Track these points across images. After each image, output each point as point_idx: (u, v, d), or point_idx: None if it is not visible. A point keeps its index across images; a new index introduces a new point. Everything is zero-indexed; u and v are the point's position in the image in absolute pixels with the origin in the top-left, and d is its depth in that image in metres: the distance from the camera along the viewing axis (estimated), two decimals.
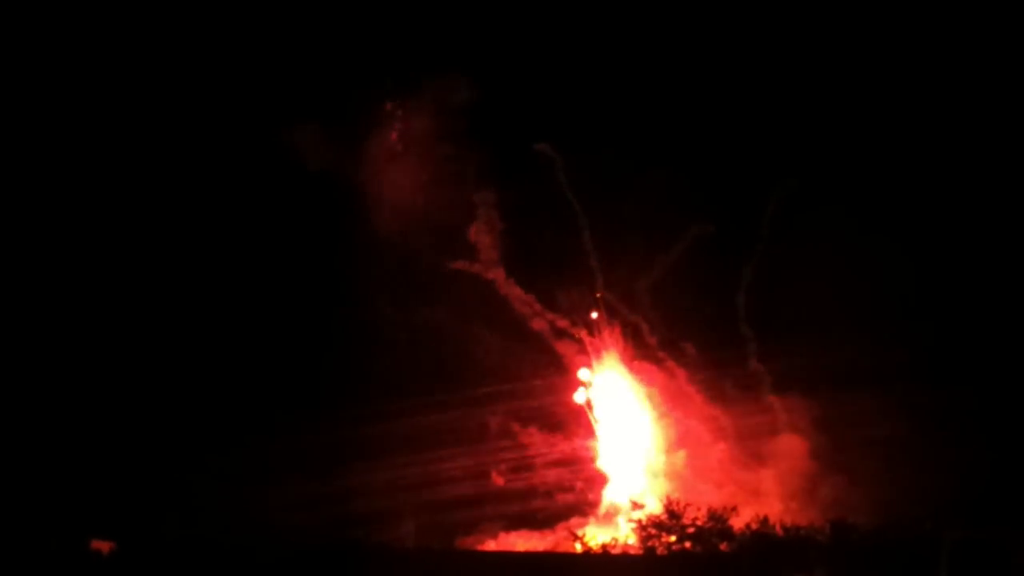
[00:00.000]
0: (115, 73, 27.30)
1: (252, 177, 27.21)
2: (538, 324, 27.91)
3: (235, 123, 26.85)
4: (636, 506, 26.20)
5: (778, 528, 25.28)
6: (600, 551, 25.46)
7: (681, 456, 29.10)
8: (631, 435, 29.36)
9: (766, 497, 28.03)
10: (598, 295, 28.50)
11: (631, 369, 29.08)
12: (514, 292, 27.43)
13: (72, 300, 27.11)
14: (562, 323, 28.23)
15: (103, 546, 21.05)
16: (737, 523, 25.35)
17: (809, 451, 28.39)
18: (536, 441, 28.74)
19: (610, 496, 28.83)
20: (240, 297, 27.00)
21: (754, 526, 25.30)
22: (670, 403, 29.12)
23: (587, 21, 27.79)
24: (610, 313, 28.60)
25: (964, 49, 27.59)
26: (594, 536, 26.22)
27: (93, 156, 27.49)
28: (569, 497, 28.90)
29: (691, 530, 25.44)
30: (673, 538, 25.41)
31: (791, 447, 28.60)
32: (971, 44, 27.61)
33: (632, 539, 25.67)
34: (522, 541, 27.59)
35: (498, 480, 28.32)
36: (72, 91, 27.12)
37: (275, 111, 26.68)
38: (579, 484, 28.98)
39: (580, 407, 29.01)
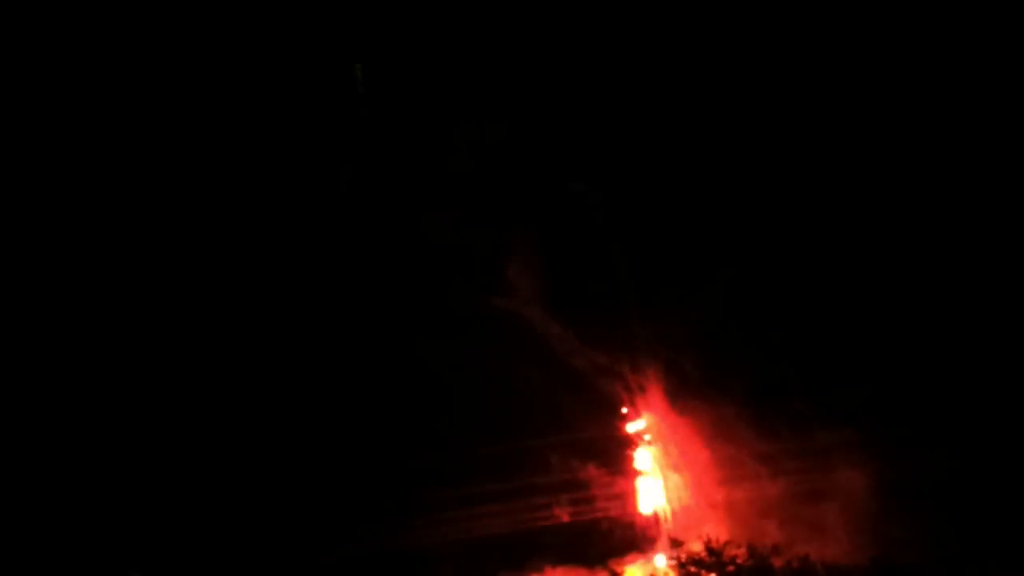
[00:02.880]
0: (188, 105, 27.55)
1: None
2: (579, 362, 28.04)
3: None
4: (676, 543, 26.34)
5: (819, 567, 25.25)
6: None
7: (740, 492, 28.91)
8: (683, 471, 29.27)
9: (829, 533, 27.73)
10: (638, 331, 28.58)
11: (678, 405, 29.02)
12: (552, 330, 27.65)
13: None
14: (604, 360, 28.31)
15: None
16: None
17: (868, 485, 28.06)
18: (584, 477, 28.79)
19: (660, 533, 28.80)
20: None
21: (795, 564, 25.33)
22: (721, 438, 28.97)
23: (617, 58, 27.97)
24: (652, 350, 28.59)
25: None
26: (635, 573, 26.38)
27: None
28: (621, 534, 28.88)
29: (731, 568, 25.53)
30: None
31: (850, 482, 28.28)
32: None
33: None
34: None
35: (545, 516, 28.41)
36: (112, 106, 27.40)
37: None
38: (630, 520, 28.94)
39: (627, 443, 29.06)
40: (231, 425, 26.49)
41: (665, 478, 28.85)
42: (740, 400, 28.41)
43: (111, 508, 24.66)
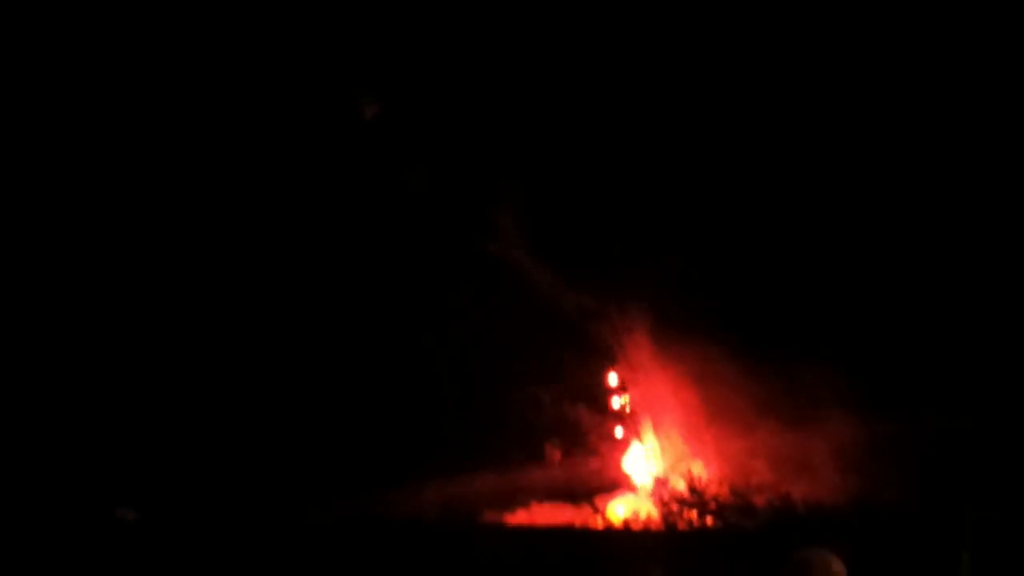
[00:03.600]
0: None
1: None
2: (565, 305, 28.31)
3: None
4: (659, 483, 26.76)
5: (800, 505, 25.57)
6: (621, 526, 26.09)
7: (726, 433, 29.23)
8: (671, 412, 29.61)
9: (815, 473, 28.02)
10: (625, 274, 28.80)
11: (665, 347, 29.29)
12: (537, 273, 27.91)
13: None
14: (590, 303, 28.58)
15: (129, 515, 22.27)
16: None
17: (856, 427, 28.28)
18: (571, 418, 29.19)
19: (646, 473, 29.21)
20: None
21: (776, 503, 25.68)
22: (709, 380, 29.23)
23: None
24: (640, 292, 28.80)
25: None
26: (617, 509, 26.83)
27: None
28: (608, 474, 29.28)
29: (712, 506, 25.92)
30: (694, 514, 25.95)
31: (838, 421, 28.50)
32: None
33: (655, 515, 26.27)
34: (555, 513, 28.14)
35: (532, 457, 28.86)
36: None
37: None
38: (617, 461, 29.33)
39: (615, 385, 29.40)
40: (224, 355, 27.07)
41: (652, 419, 29.22)
42: (729, 342, 28.70)
43: (101, 438, 25.21)
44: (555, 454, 28.91)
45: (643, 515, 26.37)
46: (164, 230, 27.63)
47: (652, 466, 27.85)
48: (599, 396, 29.04)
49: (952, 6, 26.44)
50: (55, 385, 25.45)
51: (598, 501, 27.38)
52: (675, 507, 26.02)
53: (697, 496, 26.02)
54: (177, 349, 27.26)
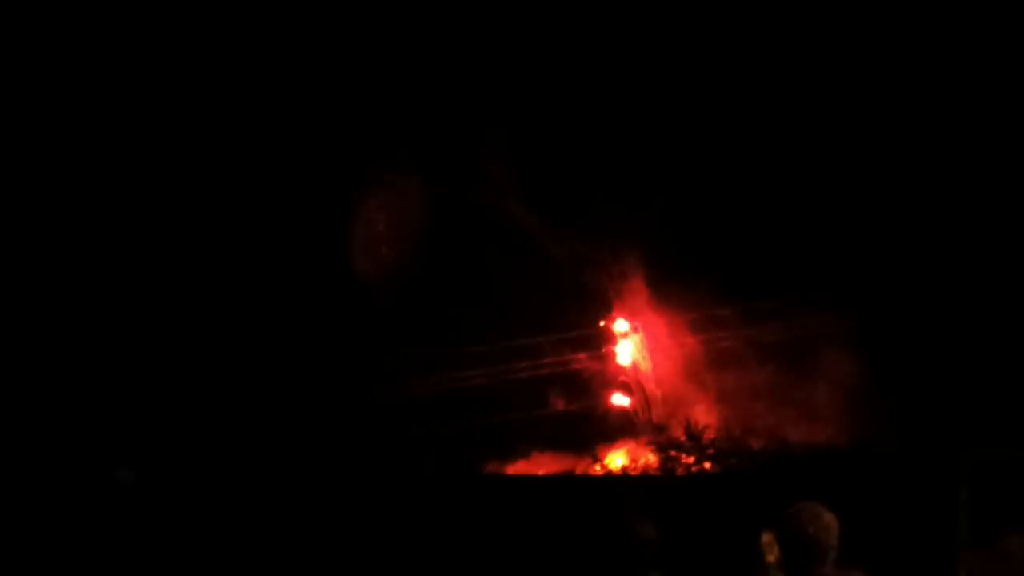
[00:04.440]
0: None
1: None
2: (561, 253, 28.24)
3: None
4: (658, 428, 26.90)
5: (797, 448, 25.68)
6: (619, 472, 26.26)
7: (726, 378, 29.25)
8: (670, 359, 29.64)
9: (814, 416, 28.09)
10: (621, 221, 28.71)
11: (663, 294, 29.26)
12: (532, 221, 27.82)
13: None
14: (587, 251, 28.50)
15: (127, 475, 22.43)
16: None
17: (855, 366, 28.27)
18: (570, 367, 29.24)
19: (646, 420, 29.32)
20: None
21: (773, 447, 25.81)
22: (707, 326, 29.21)
23: None
24: (637, 239, 28.71)
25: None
26: (617, 457, 26.98)
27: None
28: (608, 422, 29.37)
29: (710, 451, 26.06)
30: (692, 460, 26.10)
31: (837, 364, 28.50)
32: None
33: (653, 461, 26.42)
34: (555, 462, 28.32)
35: (532, 406, 28.95)
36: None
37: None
38: (617, 409, 29.40)
39: (614, 333, 29.41)
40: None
41: (652, 366, 29.26)
42: (726, 286, 28.63)
43: (99, 399, 25.44)
44: (556, 404, 29.01)
45: (641, 462, 26.51)
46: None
47: (651, 413, 27.95)
48: (597, 345, 29.07)
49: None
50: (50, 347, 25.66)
51: (598, 450, 27.51)
52: (673, 453, 26.15)
53: (695, 441, 26.15)
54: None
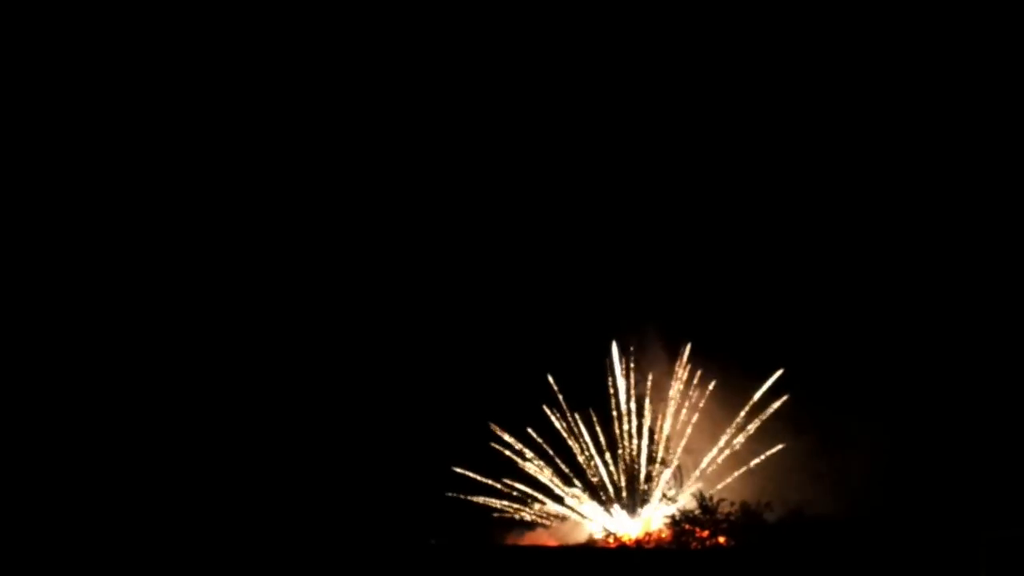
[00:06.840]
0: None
1: None
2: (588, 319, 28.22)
3: None
4: (671, 499, 26.58)
5: (809, 520, 25.32)
6: (633, 545, 25.90)
7: (740, 449, 28.87)
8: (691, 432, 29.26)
9: (826, 486, 27.68)
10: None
11: (681, 367, 29.03)
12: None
13: None
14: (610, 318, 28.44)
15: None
16: None
17: (884, 440, 27.95)
18: (587, 433, 28.93)
19: (664, 493, 28.91)
20: None
21: (786, 519, 25.46)
22: (726, 401, 28.90)
23: None
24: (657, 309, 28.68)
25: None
26: (627, 532, 26.62)
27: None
28: (627, 492, 28.97)
29: (724, 525, 25.69)
30: (707, 534, 25.72)
31: (864, 436, 28.16)
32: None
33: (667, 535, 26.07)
34: (571, 532, 27.81)
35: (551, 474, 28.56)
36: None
37: None
38: (631, 477, 29.00)
39: (632, 403, 29.10)
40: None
41: (670, 440, 28.93)
42: (744, 362, 28.53)
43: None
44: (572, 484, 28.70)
45: (656, 534, 26.18)
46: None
47: (668, 486, 27.62)
48: (618, 416, 28.85)
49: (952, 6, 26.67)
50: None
51: (612, 520, 27.17)
52: (688, 527, 25.79)
53: (710, 515, 25.80)
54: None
